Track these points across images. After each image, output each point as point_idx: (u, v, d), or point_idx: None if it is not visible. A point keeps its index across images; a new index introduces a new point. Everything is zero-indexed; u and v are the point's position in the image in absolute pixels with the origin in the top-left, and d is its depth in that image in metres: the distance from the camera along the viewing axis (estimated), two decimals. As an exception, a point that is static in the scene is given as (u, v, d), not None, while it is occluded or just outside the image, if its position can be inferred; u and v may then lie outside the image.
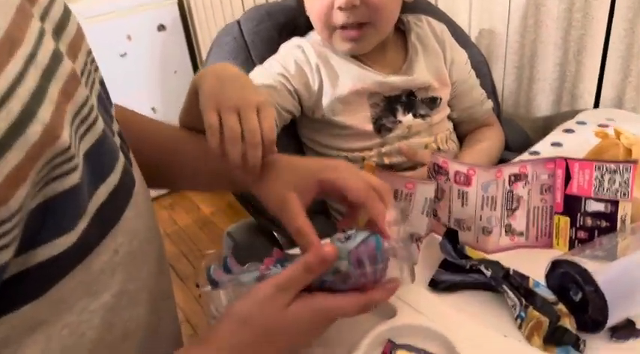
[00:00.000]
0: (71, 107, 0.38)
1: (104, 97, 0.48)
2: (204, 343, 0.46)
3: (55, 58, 0.37)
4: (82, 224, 0.38)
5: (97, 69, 0.48)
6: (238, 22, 0.89)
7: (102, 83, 0.49)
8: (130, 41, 2.09)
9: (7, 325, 0.35)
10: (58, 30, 0.41)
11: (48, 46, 0.37)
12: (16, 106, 0.31)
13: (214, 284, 0.51)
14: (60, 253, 0.36)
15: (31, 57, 0.34)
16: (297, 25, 0.87)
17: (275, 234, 0.89)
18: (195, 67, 2.37)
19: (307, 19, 0.83)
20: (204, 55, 2.27)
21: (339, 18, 0.76)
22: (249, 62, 0.86)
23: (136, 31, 2.10)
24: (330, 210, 0.88)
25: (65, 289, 0.38)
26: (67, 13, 0.43)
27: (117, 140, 0.47)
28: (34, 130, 0.32)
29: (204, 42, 2.21)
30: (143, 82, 2.22)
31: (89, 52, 0.47)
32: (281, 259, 0.53)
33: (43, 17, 0.39)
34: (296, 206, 0.52)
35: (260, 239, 0.86)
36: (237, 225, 0.89)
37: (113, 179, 0.43)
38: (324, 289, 0.49)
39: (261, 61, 0.84)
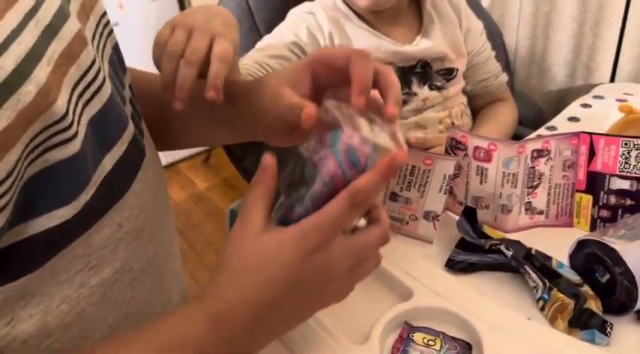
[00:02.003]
0: (75, 70, 0.35)
1: (116, 62, 0.45)
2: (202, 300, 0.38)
3: (60, 16, 0.34)
4: (85, 196, 0.35)
5: (111, 32, 0.44)
6: (243, -15, 0.84)
7: (115, 47, 0.45)
8: (121, 10, 2.02)
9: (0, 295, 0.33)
10: None
11: (53, 1, 0.34)
12: (8, 63, 0.29)
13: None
14: (60, 224, 0.34)
15: (32, 12, 0.32)
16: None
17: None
18: (190, 38, 2.31)
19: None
20: (199, 25, 2.21)
21: None
22: (253, 30, 0.81)
23: (128, 0, 2.03)
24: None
25: (63, 262, 0.36)
26: None
27: (128, 108, 0.44)
28: (27, 91, 0.30)
29: (200, 11, 2.15)
30: (136, 51, 2.16)
31: (104, 14, 0.43)
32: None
33: None
34: (285, 92, 0.45)
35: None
36: (240, 202, 0.86)
37: (120, 149, 0.40)
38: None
39: (267, 28, 0.79)
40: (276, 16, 0.80)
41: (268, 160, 0.41)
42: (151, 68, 0.54)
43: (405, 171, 0.62)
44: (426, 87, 0.79)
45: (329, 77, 0.45)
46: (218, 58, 0.45)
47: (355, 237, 0.39)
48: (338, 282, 0.39)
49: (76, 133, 0.34)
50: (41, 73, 0.31)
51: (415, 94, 0.79)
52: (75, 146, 0.34)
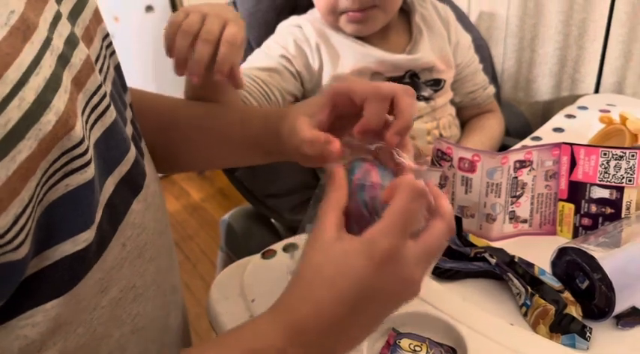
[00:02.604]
0: (83, 95, 0.36)
1: (119, 83, 0.46)
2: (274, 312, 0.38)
3: (70, 44, 0.35)
4: (97, 218, 0.36)
5: (112, 53, 0.46)
6: (234, 2, 0.86)
7: (117, 68, 0.46)
8: (117, 22, 2.04)
9: (30, 327, 0.33)
10: (75, 12, 0.39)
11: (63, 31, 0.35)
12: (29, 94, 0.30)
13: None
14: (83, 248, 0.35)
15: (47, 42, 0.32)
16: (296, 5, 0.84)
17: (273, 221, 0.87)
18: (185, 50, 2.33)
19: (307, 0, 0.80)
20: (194, 37, 2.23)
21: (344, 4, 0.75)
22: (246, 45, 0.83)
23: (123, 12, 2.05)
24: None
25: (85, 287, 0.36)
26: None
27: (129, 129, 0.45)
28: (47, 120, 0.30)
29: (194, 23, 2.17)
30: (131, 64, 2.18)
31: (106, 36, 0.44)
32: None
33: (59, 0, 0.37)
34: (303, 125, 0.47)
35: (257, 227, 0.85)
36: (234, 212, 0.88)
37: (122, 170, 0.41)
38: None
39: (259, 43, 0.81)
40: (267, 32, 0.83)
41: (337, 170, 0.41)
42: (147, 82, 0.56)
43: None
44: None
45: (348, 108, 0.47)
46: (227, 41, 0.49)
47: (424, 239, 0.38)
48: (413, 287, 0.38)
49: (91, 158, 0.35)
50: (60, 101, 0.32)
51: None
52: (90, 171, 0.35)
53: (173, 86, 2.47)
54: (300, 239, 0.64)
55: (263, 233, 0.84)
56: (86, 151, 0.34)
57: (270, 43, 0.80)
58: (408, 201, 0.36)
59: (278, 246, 0.64)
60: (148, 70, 2.26)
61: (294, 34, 0.79)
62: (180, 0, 2.18)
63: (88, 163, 0.34)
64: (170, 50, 0.53)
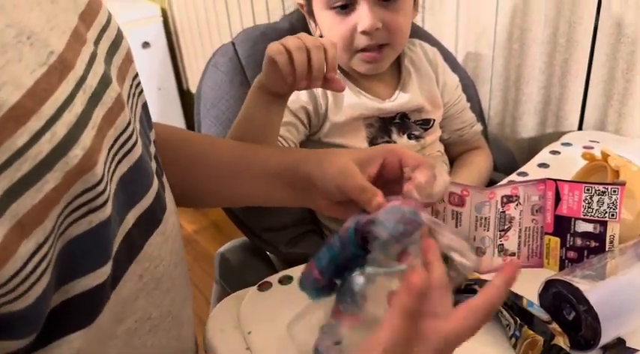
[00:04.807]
0: (112, 132, 0.38)
1: (145, 121, 0.48)
2: None
3: (103, 83, 0.38)
4: (113, 251, 0.38)
5: (141, 92, 0.48)
6: (233, 43, 0.90)
7: (144, 106, 0.49)
8: (115, 58, 2.09)
9: None
10: (110, 53, 0.42)
11: (97, 70, 0.37)
12: (61, 129, 0.32)
13: None
14: (101, 283, 0.36)
15: (81, 81, 0.35)
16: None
17: (268, 254, 0.89)
18: (180, 84, 2.37)
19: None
20: (188, 73, 2.28)
21: (362, 41, 0.78)
22: (244, 84, 0.86)
23: (118, 23, 2.10)
24: (322, 228, 0.88)
25: (103, 318, 0.38)
26: (119, 37, 0.44)
27: (153, 164, 0.47)
28: (75, 154, 0.32)
29: (189, 59, 2.22)
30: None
31: (136, 76, 0.47)
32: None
33: (97, 41, 0.40)
34: (356, 171, 0.52)
35: (252, 259, 0.86)
36: (230, 245, 0.89)
37: (144, 204, 0.43)
38: None
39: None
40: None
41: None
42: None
43: None
44: (405, 136, 0.84)
45: (394, 170, 0.53)
46: (329, 46, 0.61)
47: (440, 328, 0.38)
48: None
49: (108, 197, 0.36)
50: (87, 137, 0.34)
51: (394, 143, 0.84)
52: (109, 208, 0.36)
53: (170, 119, 2.50)
54: (295, 271, 0.66)
55: (258, 266, 0.85)
56: (105, 190, 0.36)
57: None
58: (403, 320, 0.37)
59: (274, 278, 0.66)
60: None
61: None
62: (176, 37, 2.24)
63: (106, 202, 0.36)
64: (289, 70, 0.62)
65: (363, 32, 0.77)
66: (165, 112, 2.35)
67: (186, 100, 2.39)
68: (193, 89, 2.27)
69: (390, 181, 0.54)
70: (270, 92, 0.67)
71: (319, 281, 0.48)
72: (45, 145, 0.30)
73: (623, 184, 0.63)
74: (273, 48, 0.62)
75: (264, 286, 0.65)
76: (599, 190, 0.64)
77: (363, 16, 0.76)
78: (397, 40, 0.80)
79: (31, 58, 0.31)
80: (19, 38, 0.31)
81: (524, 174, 0.86)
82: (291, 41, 0.61)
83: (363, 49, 0.79)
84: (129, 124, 0.41)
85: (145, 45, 2.21)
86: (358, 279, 0.44)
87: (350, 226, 0.47)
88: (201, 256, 1.99)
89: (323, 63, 0.61)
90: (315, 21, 0.84)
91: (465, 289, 0.62)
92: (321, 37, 0.83)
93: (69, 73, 0.34)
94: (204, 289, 1.87)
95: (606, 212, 0.64)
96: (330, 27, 0.80)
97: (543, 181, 0.67)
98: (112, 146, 0.38)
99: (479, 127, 0.95)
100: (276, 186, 0.60)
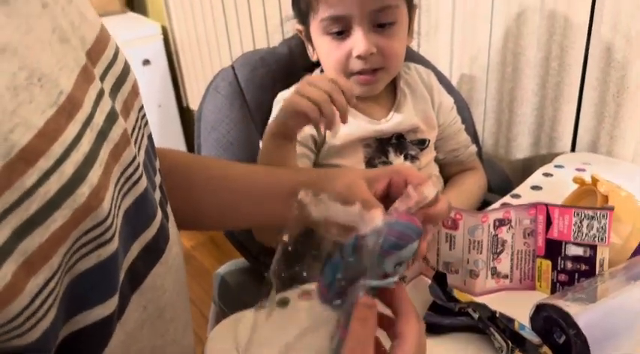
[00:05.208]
0: (118, 167, 0.39)
1: (150, 151, 0.49)
2: None
3: (110, 120, 0.38)
4: (119, 283, 0.39)
5: (146, 124, 0.49)
6: (233, 67, 0.92)
7: (150, 137, 0.50)
8: (116, 76, 2.11)
9: None
10: (116, 88, 0.42)
11: (104, 107, 0.38)
12: (69, 168, 0.32)
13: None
14: (109, 314, 0.37)
15: (89, 120, 0.35)
16: (290, 72, 0.90)
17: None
18: (179, 101, 2.40)
19: (300, 67, 0.86)
20: (188, 90, 2.30)
21: (357, 65, 0.81)
22: (244, 107, 0.89)
23: (125, 57, 2.13)
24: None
25: (109, 349, 0.38)
26: (126, 70, 0.45)
27: (157, 195, 0.47)
28: (82, 192, 0.33)
29: (189, 77, 2.25)
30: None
31: (141, 108, 0.48)
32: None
33: (103, 76, 0.40)
34: (363, 186, 0.54)
35: (251, 281, 0.87)
36: (229, 266, 0.90)
37: (147, 235, 0.43)
38: None
39: (257, 106, 0.87)
40: (264, 95, 0.88)
41: (370, 300, 0.44)
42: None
43: None
44: (401, 156, 0.86)
45: (400, 190, 0.54)
46: (344, 89, 0.66)
47: None
48: None
49: (115, 231, 0.37)
50: (94, 175, 0.34)
51: (391, 164, 0.86)
52: (115, 243, 0.37)
53: (170, 135, 2.51)
54: (292, 294, 0.67)
55: (257, 287, 0.86)
56: (112, 225, 0.36)
57: None
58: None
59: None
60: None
61: None
62: (176, 54, 2.27)
63: (112, 237, 0.36)
64: (319, 121, 0.66)
65: (358, 57, 0.80)
66: (166, 128, 2.37)
67: (186, 117, 2.41)
68: (193, 106, 2.29)
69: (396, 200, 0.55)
70: (285, 137, 0.71)
71: (327, 297, 0.49)
72: (53, 185, 0.31)
73: (611, 209, 0.65)
74: (302, 104, 0.65)
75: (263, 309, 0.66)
76: (588, 214, 0.66)
77: (358, 42, 0.78)
78: (391, 65, 0.83)
79: (42, 100, 0.32)
80: (31, 80, 0.31)
81: (518, 196, 0.88)
82: (315, 93, 0.65)
83: (359, 72, 0.82)
84: (134, 158, 0.41)
85: (146, 62, 2.23)
86: (356, 291, 0.45)
87: (350, 240, 0.48)
88: (199, 273, 2.00)
89: (346, 105, 0.66)
90: (312, 46, 0.86)
91: (459, 312, 0.63)
92: (318, 61, 0.86)
93: (77, 113, 0.34)
94: (202, 306, 1.87)
95: (596, 236, 0.66)
96: (327, 52, 0.83)
97: (534, 205, 0.69)
98: (118, 181, 0.38)
99: (474, 148, 0.98)
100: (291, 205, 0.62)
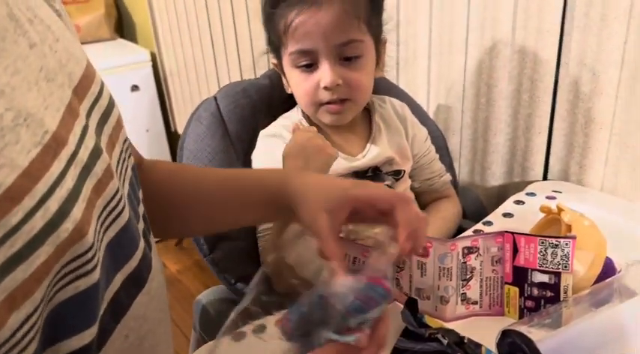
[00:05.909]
0: (101, 201, 0.39)
1: (134, 182, 0.50)
2: None
3: (94, 156, 0.39)
4: (100, 313, 0.39)
5: (130, 155, 0.50)
6: (215, 98, 0.95)
7: (133, 168, 0.50)
8: (104, 101, 2.13)
9: None
10: (102, 122, 0.43)
11: (88, 143, 0.39)
12: (53, 205, 0.33)
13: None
14: (86, 344, 0.37)
15: (73, 156, 0.36)
16: (271, 103, 0.94)
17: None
18: (167, 126, 2.42)
19: (281, 98, 0.90)
20: (176, 115, 2.33)
21: (325, 96, 0.85)
22: (225, 137, 0.91)
23: (110, 91, 2.15)
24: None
25: None
26: (111, 105, 0.46)
27: (140, 225, 0.48)
28: (65, 228, 0.33)
29: (177, 102, 2.28)
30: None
31: (125, 140, 0.48)
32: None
33: (89, 112, 0.41)
34: (324, 227, 0.53)
35: (231, 308, 0.88)
36: (210, 293, 0.92)
37: (131, 265, 0.44)
38: None
39: (238, 137, 0.90)
40: (245, 126, 0.91)
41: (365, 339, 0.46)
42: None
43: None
44: None
45: (366, 213, 0.54)
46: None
47: None
48: None
49: (97, 262, 0.37)
50: (78, 210, 0.34)
51: None
52: (97, 274, 0.37)
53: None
54: (269, 321, 0.69)
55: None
56: (94, 256, 0.37)
57: (266, 163, 0.88)
58: None
59: (249, 328, 0.69)
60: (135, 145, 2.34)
61: (280, 148, 0.86)
62: (165, 80, 2.30)
63: (94, 268, 0.37)
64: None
65: (325, 88, 0.84)
66: (154, 153, 2.39)
67: (174, 141, 2.44)
68: (181, 131, 2.32)
69: (369, 217, 0.56)
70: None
71: (291, 334, 0.51)
72: (38, 222, 0.31)
73: (574, 238, 0.68)
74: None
75: (239, 336, 0.67)
76: (552, 243, 0.69)
77: (324, 74, 0.83)
78: (358, 96, 0.87)
79: (27, 140, 0.32)
80: (17, 121, 0.32)
81: (490, 223, 0.91)
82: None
83: (328, 102, 0.86)
84: (117, 191, 0.41)
85: (135, 88, 2.27)
86: (318, 338, 0.47)
87: (316, 292, 0.50)
88: (184, 297, 2.00)
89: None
90: (287, 78, 0.90)
91: (429, 337, 0.66)
92: (291, 93, 0.89)
93: (62, 150, 0.34)
94: (186, 329, 1.86)
95: (559, 264, 0.69)
96: (297, 84, 0.87)
97: (501, 233, 0.72)
98: (101, 214, 0.39)
99: (448, 177, 1.01)
100: (270, 211, 0.64)
